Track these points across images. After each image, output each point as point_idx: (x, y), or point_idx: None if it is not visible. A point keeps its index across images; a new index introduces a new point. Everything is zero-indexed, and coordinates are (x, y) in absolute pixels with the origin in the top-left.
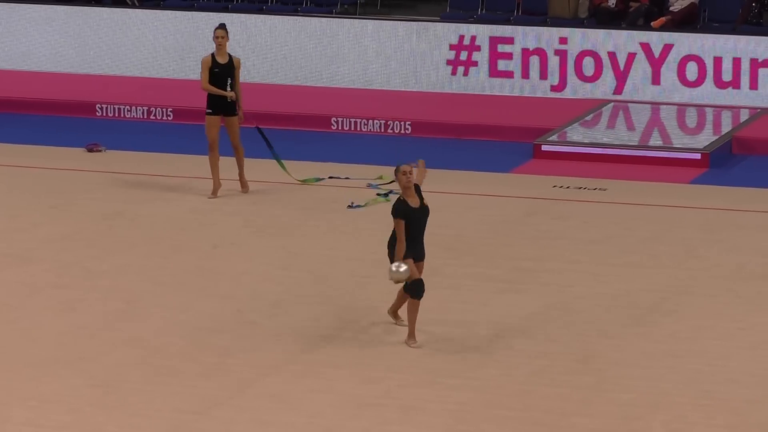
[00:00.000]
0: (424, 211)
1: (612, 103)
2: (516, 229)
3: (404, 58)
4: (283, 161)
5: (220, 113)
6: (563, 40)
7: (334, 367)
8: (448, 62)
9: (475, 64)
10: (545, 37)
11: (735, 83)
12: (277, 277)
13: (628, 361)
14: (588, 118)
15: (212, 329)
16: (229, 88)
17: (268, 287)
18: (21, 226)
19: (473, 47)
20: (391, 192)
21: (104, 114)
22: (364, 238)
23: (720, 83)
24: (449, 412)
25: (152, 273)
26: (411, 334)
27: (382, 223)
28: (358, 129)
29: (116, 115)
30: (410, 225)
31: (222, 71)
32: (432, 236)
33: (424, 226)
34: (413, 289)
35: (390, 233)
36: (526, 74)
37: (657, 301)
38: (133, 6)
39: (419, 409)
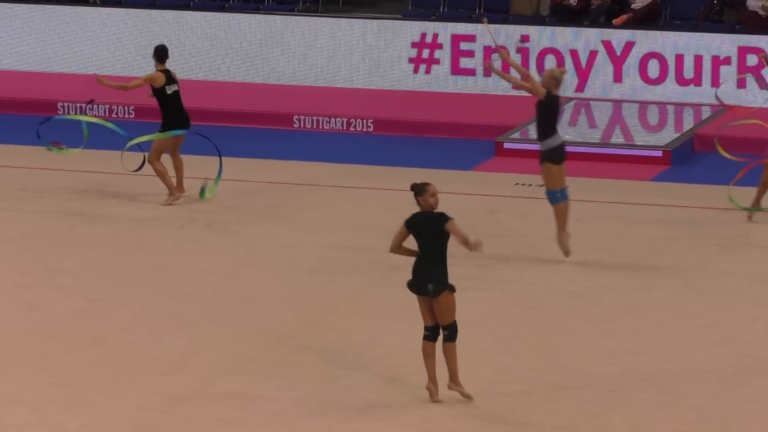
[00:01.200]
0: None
1: (574, 101)
2: (478, 227)
3: (366, 56)
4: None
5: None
6: (525, 38)
7: (297, 366)
8: (410, 60)
9: (437, 62)
10: (507, 34)
11: (696, 81)
12: (240, 275)
13: (590, 358)
14: None
15: (175, 328)
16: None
17: (231, 286)
18: None
19: (435, 45)
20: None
21: (66, 112)
22: (325, 234)
23: (682, 81)
24: (413, 411)
25: (115, 271)
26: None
27: (345, 222)
28: (321, 127)
29: (78, 113)
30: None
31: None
32: (393, 234)
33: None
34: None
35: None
36: (488, 72)
37: (618, 298)
38: (94, 4)
39: (382, 407)
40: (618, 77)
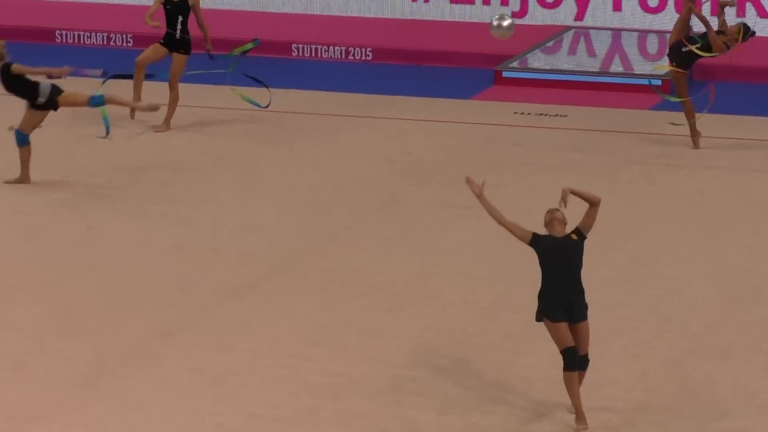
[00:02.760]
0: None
1: (573, 30)
2: (476, 156)
3: None
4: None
5: (168, 46)
6: None
7: (295, 294)
8: None
9: None
10: None
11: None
12: (238, 204)
13: (589, 286)
14: (549, 44)
15: (174, 256)
16: (179, 26)
17: (229, 214)
18: None
19: None
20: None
21: (63, 40)
22: (323, 163)
23: (681, 9)
24: (410, 338)
25: (113, 200)
26: (579, 415)
27: (343, 151)
28: (319, 56)
29: (76, 41)
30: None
31: (174, 8)
32: (392, 163)
33: (570, 264)
34: (564, 357)
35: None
36: (487, 0)
37: (617, 226)
38: None
39: (380, 335)
40: (617, 5)
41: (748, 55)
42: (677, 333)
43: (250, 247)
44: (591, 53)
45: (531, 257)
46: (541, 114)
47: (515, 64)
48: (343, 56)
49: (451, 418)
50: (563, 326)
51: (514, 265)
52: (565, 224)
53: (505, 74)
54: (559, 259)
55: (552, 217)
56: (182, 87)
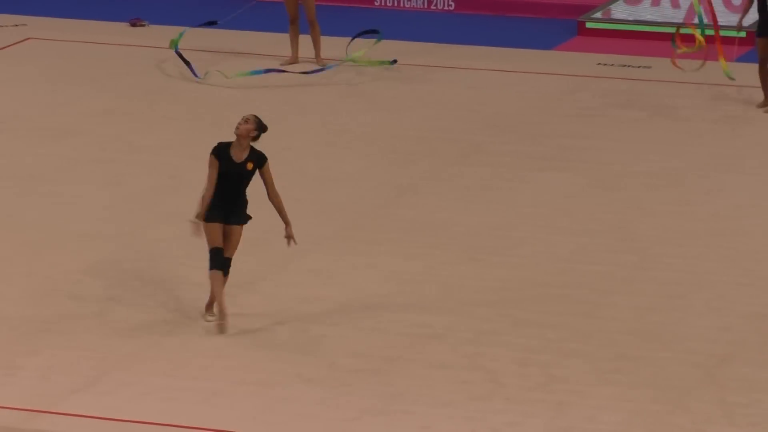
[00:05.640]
0: (242, 170)
1: None
2: (558, 107)
3: None
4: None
5: None
6: None
7: (376, 244)
8: None
9: None
10: None
11: None
12: (319, 153)
13: (670, 239)
14: None
15: (254, 204)
16: None
17: (310, 163)
18: (63, 101)
19: None
20: (395, 61)
21: (382, 4)
22: (404, 113)
23: None
24: (490, 290)
25: (194, 148)
26: (210, 305)
27: (425, 101)
28: (401, 5)
29: (395, 5)
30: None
31: None
32: (473, 113)
33: (240, 187)
34: (210, 257)
35: None
36: None
37: (699, 179)
38: None
39: (460, 286)
40: None
41: None
42: (758, 287)
43: (331, 197)
44: (675, 4)
45: (613, 209)
46: (625, 65)
47: (598, 14)
48: (426, 6)
49: (532, 370)
50: (216, 227)
51: (595, 216)
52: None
53: (588, 25)
54: (230, 180)
55: (238, 132)
56: (265, 36)
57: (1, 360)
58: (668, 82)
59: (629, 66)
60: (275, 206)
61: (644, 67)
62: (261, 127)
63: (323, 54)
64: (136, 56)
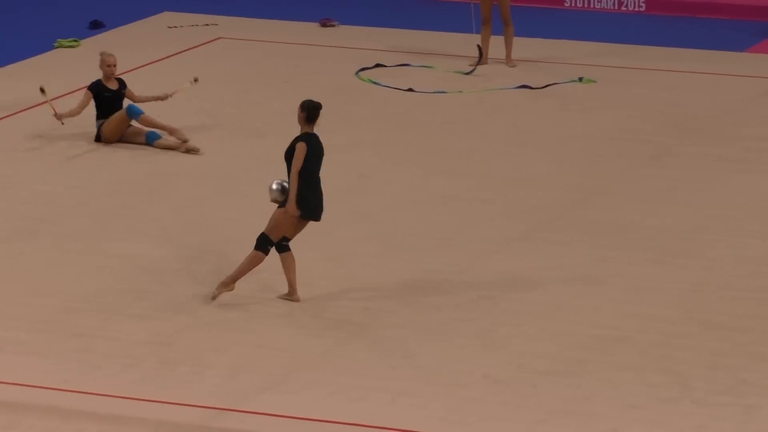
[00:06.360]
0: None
1: None
2: (750, 109)
3: None
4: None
5: None
6: None
7: (563, 245)
8: None
9: None
10: None
11: None
12: (508, 154)
13: None
14: None
15: (441, 206)
16: None
17: (499, 164)
18: (254, 100)
19: None
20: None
21: (572, 5)
22: (594, 115)
23: None
24: (679, 292)
25: (383, 149)
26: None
27: (615, 103)
28: (591, 6)
29: (585, 6)
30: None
31: None
32: (664, 115)
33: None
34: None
35: None
36: None
37: None
38: None
39: (649, 288)
40: None
41: None
42: None
43: (519, 199)
44: None
45: None
46: None
47: None
48: (616, 6)
49: (721, 373)
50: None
51: None
52: None
53: None
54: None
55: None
56: (445, 36)
57: (190, 358)
58: None
59: None
60: None
61: None
62: (303, 107)
63: (513, 55)
64: (326, 56)
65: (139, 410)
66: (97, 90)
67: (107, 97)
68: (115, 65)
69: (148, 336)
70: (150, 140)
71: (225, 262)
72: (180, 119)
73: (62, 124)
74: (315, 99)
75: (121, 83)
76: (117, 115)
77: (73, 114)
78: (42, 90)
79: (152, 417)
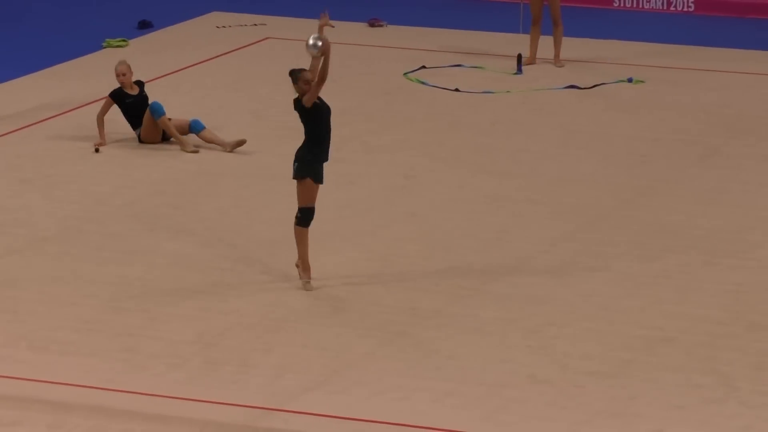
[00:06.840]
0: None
1: None
2: None
3: None
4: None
5: None
6: None
7: (611, 246)
8: None
9: None
10: None
11: None
12: (556, 154)
13: None
14: None
15: (489, 206)
16: None
17: (546, 165)
18: None
19: None
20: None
21: (621, 5)
22: (642, 115)
23: None
24: (726, 293)
25: (430, 149)
26: (305, 268)
27: (662, 102)
28: (640, 6)
29: (634, 6)
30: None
31: None
32: (712, 115)
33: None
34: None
35: None
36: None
37: None
38: None
39: (696, 289)
40: None
41: None
42: None
43: (566, 199)
44: None
45: None
46: None
47: None
48: (665, 7)
49: (767, 374)
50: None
51: None
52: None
53: None
54: (327, 123)
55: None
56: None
57: (236, 358)
58: None
59: None
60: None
61: None
62: (290, 74)
63: (562, 55)
64: (375, 56)
65: (185, 410)
66: (118, 97)
67: (130, 104)
68: (124, 74)
69: (194, 336)
70: (195, 130)
71: (272, 262)
72: (228, 119)
73: (96, 151)
74: (363, 99)
75: (140, 85)
76: (147, 119)
77: (100, 128)
78: (97, 150)
79: (198, 417)
